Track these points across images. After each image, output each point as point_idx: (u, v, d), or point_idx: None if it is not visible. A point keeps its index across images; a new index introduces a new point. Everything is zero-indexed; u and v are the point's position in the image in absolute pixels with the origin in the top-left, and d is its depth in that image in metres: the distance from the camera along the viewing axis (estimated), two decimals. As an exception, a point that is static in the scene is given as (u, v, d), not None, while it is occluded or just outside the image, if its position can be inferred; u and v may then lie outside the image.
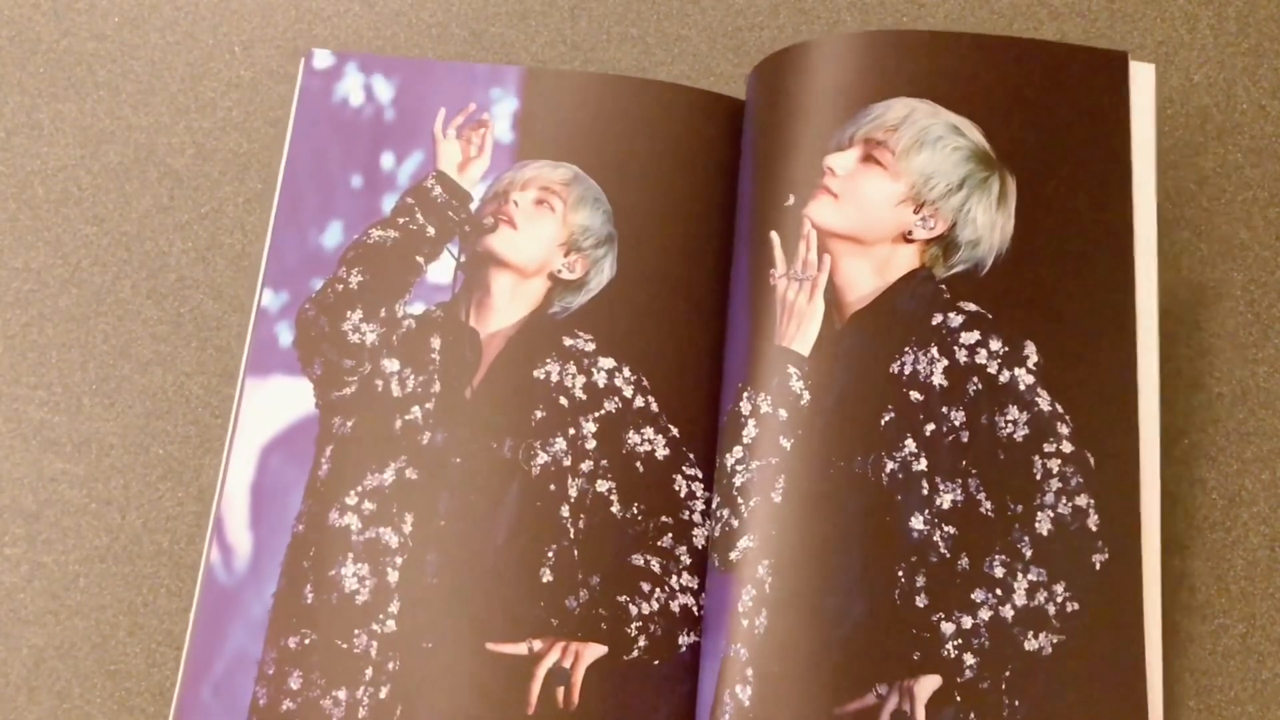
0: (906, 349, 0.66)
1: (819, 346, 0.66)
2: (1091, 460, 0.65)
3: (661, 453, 0.68)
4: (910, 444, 0.65)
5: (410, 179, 0.73)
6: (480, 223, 0.72)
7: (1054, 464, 0.65)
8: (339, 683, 0.65)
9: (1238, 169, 0.76)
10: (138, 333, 0.75)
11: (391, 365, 0.69)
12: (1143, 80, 0.70)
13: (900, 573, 0.63)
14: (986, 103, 0.70)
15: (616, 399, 0.69)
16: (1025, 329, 0.67)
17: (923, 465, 0.65)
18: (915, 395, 0.65)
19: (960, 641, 0.62)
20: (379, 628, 0.65)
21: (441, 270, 0.71)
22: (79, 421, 0.74)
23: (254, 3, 0.82)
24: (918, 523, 0.64)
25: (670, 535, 0.67)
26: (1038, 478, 0.65)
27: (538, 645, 0.65)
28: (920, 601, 0.63)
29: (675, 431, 0.68)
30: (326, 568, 0.66)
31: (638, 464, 0.68)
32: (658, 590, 0.66)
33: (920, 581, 0.63)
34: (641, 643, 0.65)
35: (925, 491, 0.64)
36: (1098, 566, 0.64)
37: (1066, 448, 0.65)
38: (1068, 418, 0.65)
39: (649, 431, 0.68)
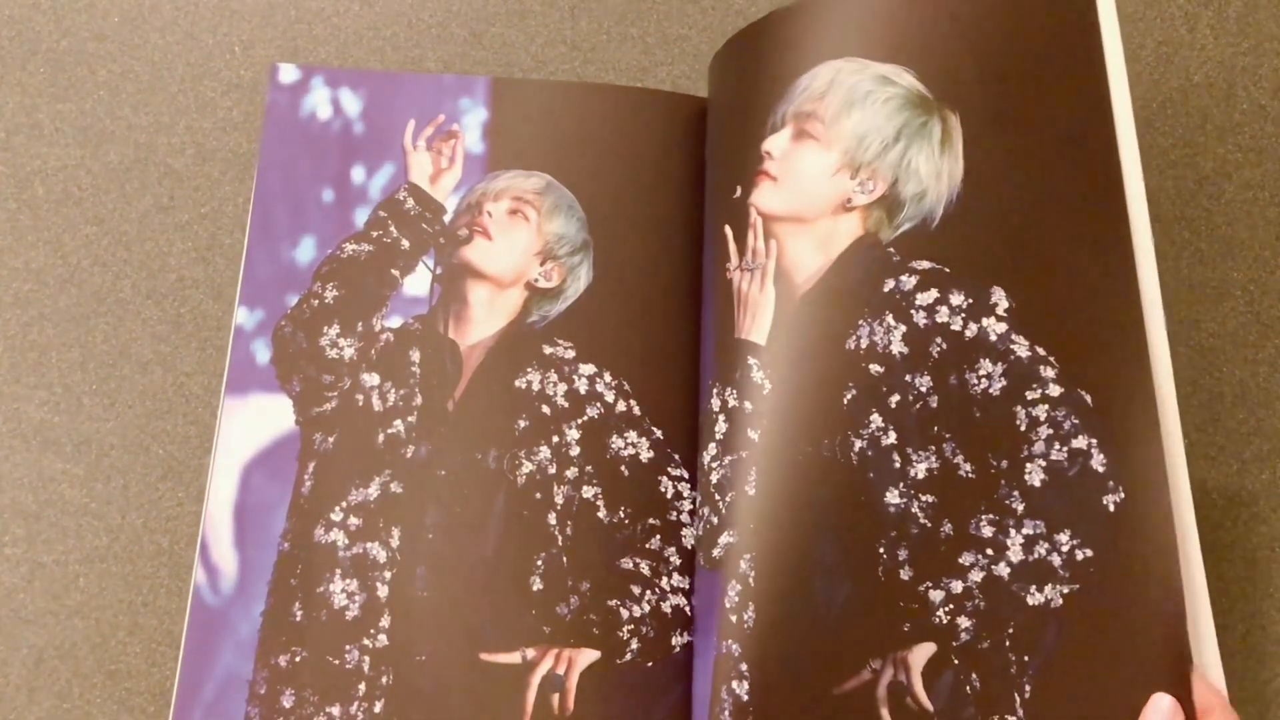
0: (860, 322, 0.64)
1: (774, 333, 0.65)
2: (1088, 399, 0.61)
3: (646, 455, 0.68)
4: (876, 419, 0.63)
5: (382, 192, 0.73)
6: (455, 234, 0.72)
7: (1041, 410, 0.62)
8: (332, 699, 0.65)
9: (1238, 169, 0.76)
10: (138, 333, 0.75)
11: (371, 380, 0.69)
12: None
13: (881, 549, 0.62)
14: (918, 43, 0.67)
15: (598, 404, 0.69)
16: (990, 275, 0.63)
17: (892, 438, 0.63)
18: (875, 368, 0.64)
19: (952, 607, 0.61)
20: (370, 643, 0.65)
21: (418, 283, 0.71)
22: (79, 421, 0.74)
23: (254, 3, 0.83)
24: (893, 496, 0.62)
25: (658, 537, 0.67)
26: (1022, 428, 0.62)
27: (531, 653, 0.65)
28: (905, 574, 0.62)
29: (659, 434, 0.68)
30: (315, 585, 0.66)
31: (622, 468, 0.68)
32: (648, 592, 0.66)
33: (903, 554, 0.62)
34: (634, 645, 0.65)
35: (898, 464, 0.63)
36: (1111, 509, 0.61)
37: (1054, 391, 0.62)
38: (1052, 359, 0.62)
39: (632, 435, 0.68)
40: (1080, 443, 0.61)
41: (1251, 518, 0.70)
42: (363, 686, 0.65)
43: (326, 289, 0.71)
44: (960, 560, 0.62)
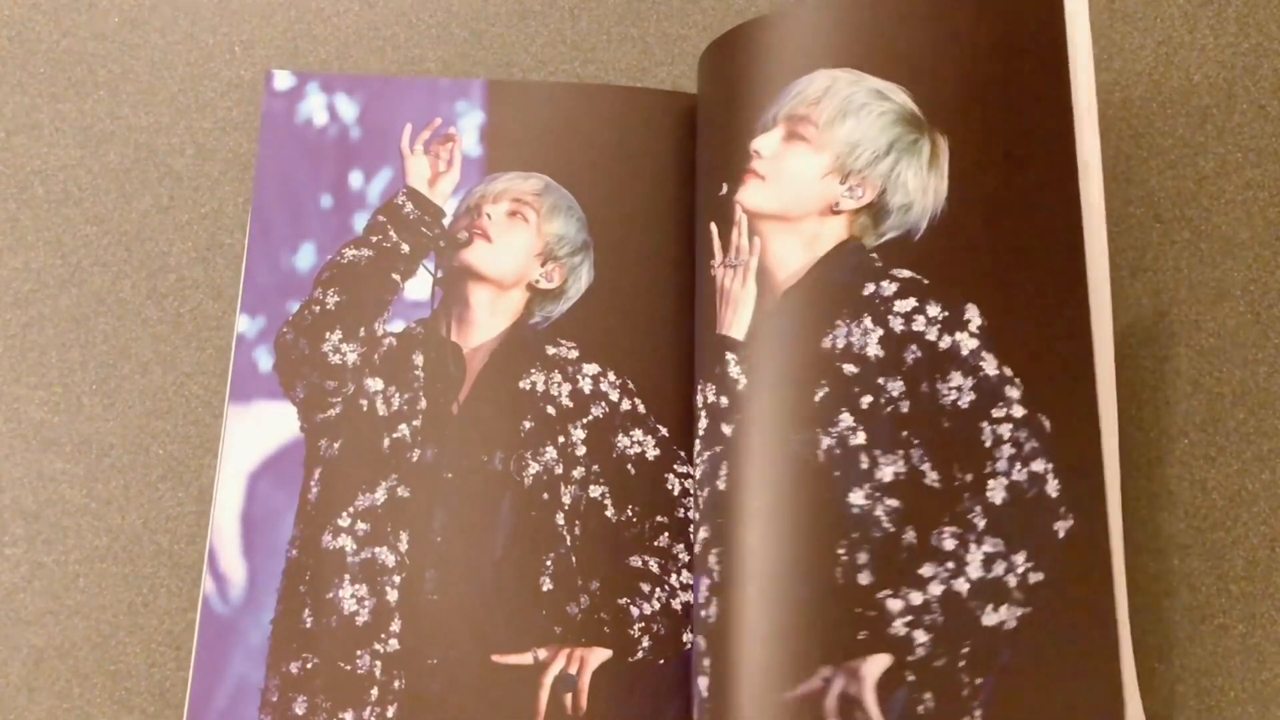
0: (839, 322, 0.64)
1: (753, 329, 0.65)
2: (1047, 424, 0.62)
3: (652, 453, 0.68)
4: (846, 418, 0.63)
5: (380, 197, 0.73)
6: (455, 238, 0.72)
7: (1005, 429, 0.62)
8: (345, 705, 0.65)
9: (1238, 169, 0.76)
10: (138, 333, 0.75)
11: (375, 384, 0.69)
12: (1076, 9, 0.68)
13: (841, 550, 0.61)
14: (912, 63, 0.68)
15: (603, 404, 0.69)
16: (966, 292, 0.64)
17: (860, 439, 0.63)
18: (849, 368, 0.64)
19: (910, 619, 0.60)
20: (381, 647, 0.65)
21: (419, 287, 0.71)
22: (79, 421, 0.73)
23: (254, 3, 0.82)
24: (857, 498, 0.62)
25: (666, 534, 0.67)
26: (987, 444, 0.62)
27: (543, 654, 0.65)
28: (864, 579, 0.61)
29: (664, 431, 0.68)
30: (324, 591, 0.66)
31: (629, 466, 0.68)
32: (658, 590, 0.66)
33: (863, 558, 0.61)
34: (645, 643, 0.65)
35: (864, 465, 0.62)
36: (1061, 534, 0.61)
37: (1018, 412, 0.63)
38: (1018, 380, 0.63)
39: (638, 433, 0.68)
40: (1039, 466, 0.62)
41: (1251, 518, 0.70)
42: (375, 691, 0.65)
43: (328, 295, 0.71)
44: (921, 571, 0.61)
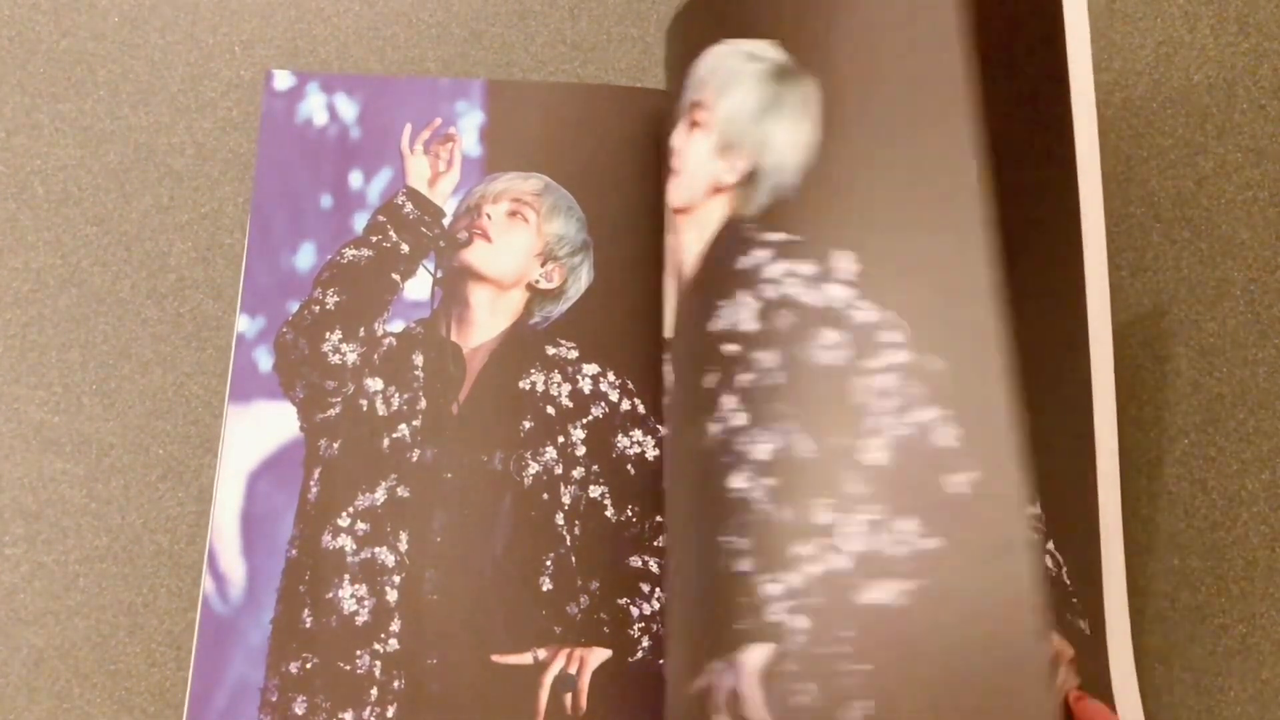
0: (719, 303, 0.61)
1: (674, 327, 0.65)
2: (940, 364, 0.56)
3: (651, 454, 0.68)
4: (729, 401, 0.59)
5: (380, 197, 0.73)
6: (455, 238, 0.72)
7: (887, 379, 0.56)
8: (344, 705, 0.65)
9: (1238, 169, 0.76)
10: (138, 333, 0.75)
11: (375, 384, 0.69)
12: (1075, 8, 0.64)
13: (725, 539, 0.57)
14: (789, 17, 0.63)
15: (603, 404, 0.69)
16: (839, 240, 0.59)
17: (742, 420, 0.58)
18: (731, 348, 0.60)
19: (790, 604, 0.54)
20: (381, 647, 0.65)
21: (419, 287, 0.71)
22: (79, 421, 0.73)
23: (254, 3, 0.82)
24: (738, 482, 0.57)
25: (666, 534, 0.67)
26: (864, 400, 0.56)
27: (542, 654, 0.65)
28: (745, 566, 0.56)
29: (664, 431, 0.69)
30: (324, 590, 0.66)
31: (629, 466, 0.68)
32: (658, 590, 0.66)
33: (743, 544, 0.56)
34: (645, 643, 0.66)
35: (744, 448, 0.58)
36: (966, 490, 0.54)
37: (901, 357, 0.56)
38: (904, 324, 0.56)
39: (637, 434, 0.69)
40: (929, 414, 0.55)
41: (1252, 518, 0.70)
42: (374, 691, 0.65)
43: (327, 295, 0.71)
44: (797, 551, 0.55)
